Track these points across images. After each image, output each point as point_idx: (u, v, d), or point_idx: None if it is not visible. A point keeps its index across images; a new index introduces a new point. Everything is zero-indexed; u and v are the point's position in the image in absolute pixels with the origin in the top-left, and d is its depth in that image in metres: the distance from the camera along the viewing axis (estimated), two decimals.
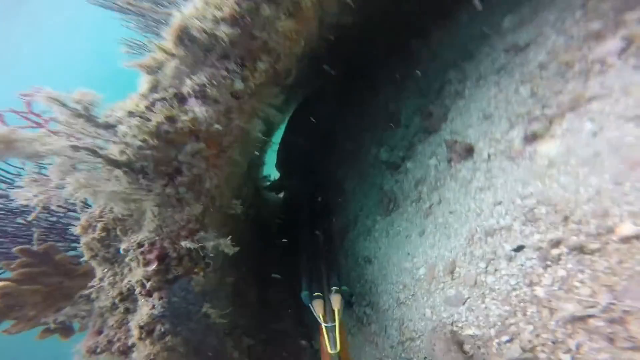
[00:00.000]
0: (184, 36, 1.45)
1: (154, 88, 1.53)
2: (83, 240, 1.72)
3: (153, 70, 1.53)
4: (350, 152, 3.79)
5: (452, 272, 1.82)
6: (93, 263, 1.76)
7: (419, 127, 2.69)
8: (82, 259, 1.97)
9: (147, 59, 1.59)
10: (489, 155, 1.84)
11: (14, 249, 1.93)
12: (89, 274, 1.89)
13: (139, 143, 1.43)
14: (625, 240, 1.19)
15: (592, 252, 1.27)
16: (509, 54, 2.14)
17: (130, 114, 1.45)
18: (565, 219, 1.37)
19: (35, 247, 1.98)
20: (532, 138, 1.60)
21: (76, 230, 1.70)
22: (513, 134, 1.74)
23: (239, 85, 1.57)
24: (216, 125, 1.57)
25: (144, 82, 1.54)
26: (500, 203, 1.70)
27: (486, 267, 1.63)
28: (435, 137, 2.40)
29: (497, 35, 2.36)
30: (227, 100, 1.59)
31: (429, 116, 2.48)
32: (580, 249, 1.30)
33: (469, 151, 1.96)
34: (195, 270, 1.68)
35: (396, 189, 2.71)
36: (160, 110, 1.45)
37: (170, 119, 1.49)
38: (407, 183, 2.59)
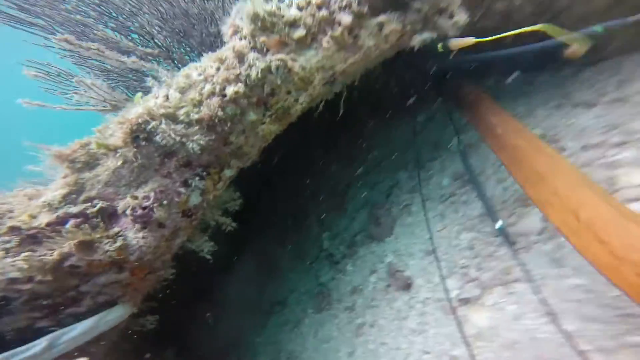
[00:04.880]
0: (140, 133, 1.13)
1: (70, 195, 1.09)
2: None
3: (77, 166, 1.11)
4: (292, 216, 3.58)
5: None
6: None
7: (365, 226, 2.65)
8: None
9: (72, 146, 1.17)
10: (425, 299, 1.83)
11: None
12: None
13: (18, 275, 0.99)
14: None
15: None
16: (455, 182, 2.26)
17: (15, 231, 1.00)
18: None
19: None
20: (465, 301, 1.62)
21: None
22: (450, 285, 1.77)
23: (194, 200, 1.28)
24: (150, 256, 1.19)
25: (57, 183, 1.09)
26: (428, 353, 1.67)
27: None
28: (379, 249, 2.36)
29: (446, 154, 2.50)
30: (176, 222, 1.26)
31: (376, 222, 2.46)
32: None
33: (408, 286, 1.94)
34: None
35: (332, 286, 2.58)
36: (72, 233, 1.03)
37: (85, 248, 1.06)
38: (344, 285, 2.47)
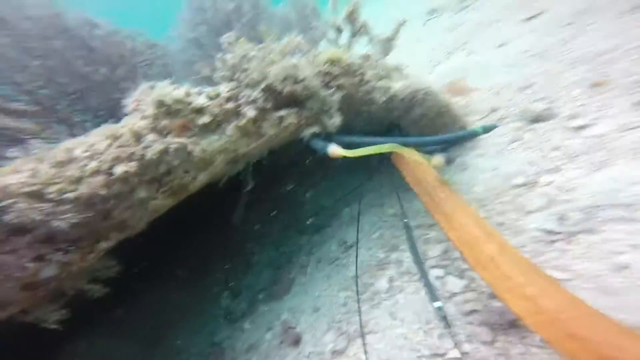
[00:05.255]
0: None
1: None
2: None
3: None
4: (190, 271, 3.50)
5: None
6: None
7: (267, 285, 2.90)
8: None
9: None
10: (309, 353, 2.15)
11: None
12: None
13: None
14: None
15: None
16: (341, 247, 2.81)
17: None
18: None
19: None
20: (337, 353, 2.02)
21: None
22: (328, 339, 2.15)
23: (47, 273, 1.20)
24: None
25: None
26: None
27: None
28: (277, 307, 2.62)
29: (338, 221, 3.08)
30: (6, 297, 1.14)
31: (278, 282, 2.75)
32: None
33: (297, 342, 2.23)
34: None
35: (227, 345, 2.64)
36: None
37: None
38: (240, 343, 2.58)
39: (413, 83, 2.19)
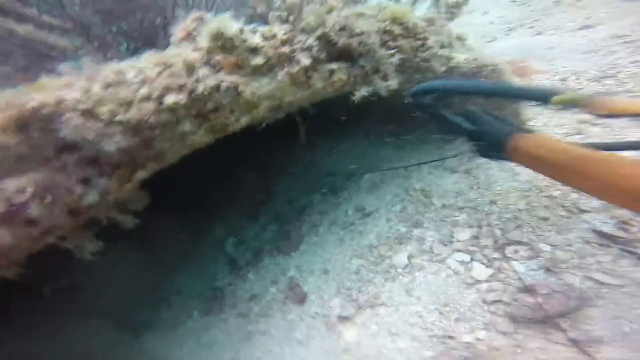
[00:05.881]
0: (34, 122, 1.01)
1: None
2: None
3: None
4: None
5: None
6: None
7: (274, 238, 2.82)
8: None
9: None
10: (315, 314, 2.12)
11: None
12: None
13: None
14: None
15: None
16: (357, 213, 2.67)
17: None
18: None
19: None
20: (344, 319, 1.98)
21: None
22: (335, 303, 2.11)
23: (90, 199, 1.16)
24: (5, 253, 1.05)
25: None
26: None
27: None
28: (284, 262, 2.56)
29: (357, 185, 2.91)
30: (55, 221, 1.13)
31: (286, 237, 2.65)
32: None
33: (302, 300, 2.19)
34: None
35: (228, 292, 2.63)
36: None
37: None
38: (242, 292, 2.57)
39: (480, 57, 1.99)
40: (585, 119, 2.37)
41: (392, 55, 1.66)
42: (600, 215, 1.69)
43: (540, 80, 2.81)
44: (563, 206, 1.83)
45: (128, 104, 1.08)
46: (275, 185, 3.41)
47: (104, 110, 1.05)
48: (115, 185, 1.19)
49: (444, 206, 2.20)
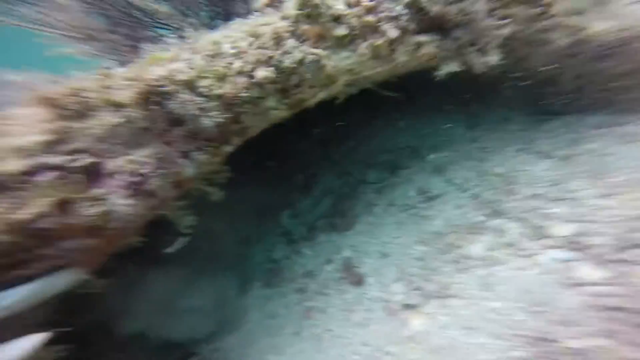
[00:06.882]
0: (154, 95, 1.07)
1: (53, 144, 0.92)
2: None
3: (66, 113, 0.95)
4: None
5: None
6: None
7: (328, 213, 2.75)
8: None
9: (61, 90, 0.97)
10: (372, 297, 2.06)
11: None
12: None
13: None
14: None
15: None
16: (420, 196, 2.47)
17: None
18: None
19: None
20: (407, 306, 1.89)
21: None
22: (396, 289, 2.01)
23: (189, 172, 1.24)
24: (131, 224, 1.10)
25: (34, 127, 0.92)
26: (367, 346, 1.94)
27: None
28: (338, 241, 2.51)
29: (420, 165, 2.66)
30: (167, 193, 1.19)
31: (341, 214, 2.57)
32: None
33: (360, 282, 2.14)
34: None
35: (284, 265, 2.69)
36: (50, 188, 0.87)
37: (63, 208, 0.90)
38: (298, 267, 2.60)
39: (631, 26, 1.51)
40: None
41: (502, 26, 1.37)
42: None
43: None
44: None
45: (223, 77, 1.08)
46: (328, 158, 3.27)
47: (203, 84, 1.06)
48: (206, 158, 1.24)
49: (533, 196, 1.89)
